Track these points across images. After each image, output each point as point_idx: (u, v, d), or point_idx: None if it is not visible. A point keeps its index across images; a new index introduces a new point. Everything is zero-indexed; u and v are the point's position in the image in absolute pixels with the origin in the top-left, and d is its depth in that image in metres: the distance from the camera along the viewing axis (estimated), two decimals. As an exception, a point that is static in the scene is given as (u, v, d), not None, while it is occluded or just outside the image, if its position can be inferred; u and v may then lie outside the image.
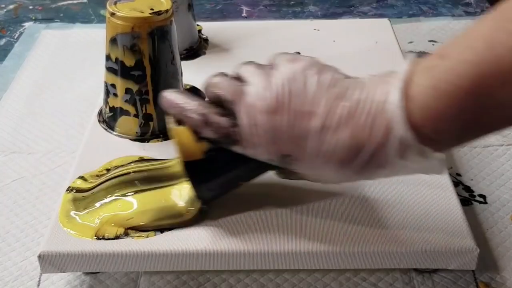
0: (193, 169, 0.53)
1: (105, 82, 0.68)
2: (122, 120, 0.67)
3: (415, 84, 0.45)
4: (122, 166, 0.63)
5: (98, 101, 0.72)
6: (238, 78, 0.52)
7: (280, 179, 0.55)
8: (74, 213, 0.57)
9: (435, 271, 0.59)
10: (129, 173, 0.61)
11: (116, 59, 0.65)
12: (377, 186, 0.59)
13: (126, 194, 0.58)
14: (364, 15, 1.06)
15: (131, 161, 0.64)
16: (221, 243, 0.55)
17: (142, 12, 0.64)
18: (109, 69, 0.66)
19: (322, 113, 0.47)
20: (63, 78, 0.88)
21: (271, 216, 0.57)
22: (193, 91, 0.75)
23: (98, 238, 0.55)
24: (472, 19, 1.01)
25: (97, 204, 0.58)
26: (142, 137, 0.67)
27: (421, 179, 0.55)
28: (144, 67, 0.65)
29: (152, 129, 0.67)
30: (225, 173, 0.54)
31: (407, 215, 0.57)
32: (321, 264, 0.55)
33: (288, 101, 0.48)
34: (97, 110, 0.71)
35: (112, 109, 0.68)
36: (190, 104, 0.52)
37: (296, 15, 1.07)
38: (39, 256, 0.54)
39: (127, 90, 0.66)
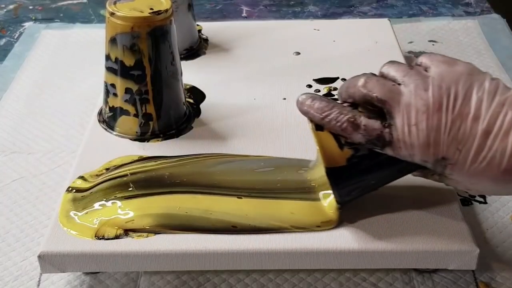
0: (335, 175, 0.53)
1: (105, 82, 0.68)
2: (122, 120, 0.67)
3: None
4: (122, 166, 0.63)
5: (98, 101, 0.72)
6: (384, 78, 0.51)
7: None
8: (74, 213, 0.57)
9: (435, 271, 0.59)
10: (127, 175, 0.61)
11: (116, 59, 0.65)
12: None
13: (128, 196, 0.58)
14: (364, 15, 1.06)
15: (131, 160, 0.64)
16: (222, 243, 0.55)
17: (142, 12, 0.64)
18: (109, 69, 0.66)
19: (488, 118, 0.47)
20: (63, 78, 0.88)
21: (271, 216, 0.57)
22: (193, 91, 0.75)
23: (98, 238, 0.55)
24: (472, 19, 1.01)
25: (96, 205, 0.58)
26: (142, 137, 0.67)
27: (421, 179, 0.55)
28: (143, 67, 0.65)
29: (152, 128, 0.67)
30: (366, 179, 0.54)
31: (407, 215, 0.57)
32: (321, 264, 0.55)
33: (451, 103, 0.48)
34: (97, 110, 0.71)
35: (112, 109, 0.68)
36: (334, 109, 0.52)
37: (296, 15, 1.07)
38: (39, 256, 0.54)
39: (127, 90, 0.66)
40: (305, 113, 0.54)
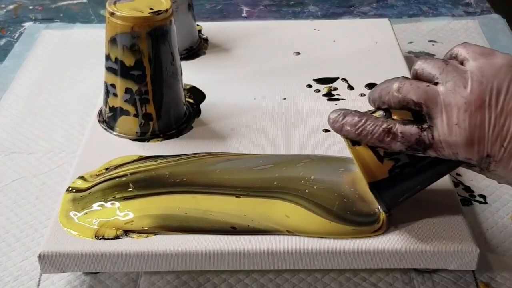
0: (379, 188, 0.53)
1: (105, 82, 0.67)
2: (122, 120, 0.67)
3: None
4: (121, 166, 0.63)
5: (98, 101, 0.72)
6: (418, 78, 0.50)
7: None
8: (73, 214, 0.57)
9: (435, 271, 0.59)
10: (126, 175, 0.61)
11: (116, 59, 0.65)
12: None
13: (128, 197, 0.58)
14: (364, 15, 1.06)
15: (131, 160, 0.64)
16: (221, 244, 0.55)
17: (142, 12, 0.64)
18: (109, 69, 0.66)
19: None
20: (63, 78, 0.88)
21: (271, 216, 0.57)
22: (193, 91, 0.75)
23: (98, 238, 0.55)
24: (472, 19, 1.01)
25: (94, 206, 0.58)
26: (142, 137, 0.67)
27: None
28: (143, 67, 0.65)
29: (152, 128, 0.67)
30: (410, 185, 0.53)
31: (407, 216, 0.57)
32: (321, 264, 0.55)
33: (493, 98, 0.47)
34: (97, 110, 0.71)
35: (112, 109, 0.68)
36: (368, 122, 0.51)
37: (296, 15, 1.06)
38: (39, 256, 0.54)
39: (127, 90, 0.66)
40: (338, 130, 0.53)
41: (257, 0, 1.11)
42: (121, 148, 0.66)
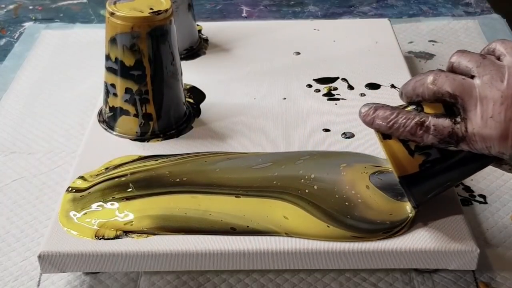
0: (409, 183, 0.53)
1: (105, 82, 0.67)
2: (122, 120, 0.67)
3: None
4: (120, 165, 0.63)
5: (98, 101, 0.72)
6: (454, 71, 0.51)
7: None
8: (73, 214, 0.57)
9: (435, 271, 0.59)
10: (125, 174, 0.61)
11: (116, 59, 0.65)
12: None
13: (128, 197, 0.58)
14: (364, 15, 1.06)
15: (130, 160, 0.64)
16: (221, 244, 0.55)
17: (142, 12, 0.64)
18: (108, 69, 0.66)
19: None
20: (63, 78, 0.88)
21: (271, 216, 0.57)
22: (193, 91, 0.75)
23: (98, 238, 0.55)
24: (472, 19, 1.01)
25: (93, 206, 0.58)
26: (142, 137, 0.67)
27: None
28: (143, 67, 0.65)
29: (152, 128, 0.67)
30: (440, 181, 0.53)
31: (407, 215, 0.57)
32: (321, 264, 0.55)
33: None
34: (97, 110, 0.71)
35: (112, 109, 0.68)
36: (399, 115, 0.51)
37: (296, 15, 1.07)
38: (39, 256, 0.54)
39: (127, 90, 0.66)
40: (369, 124, 0.53)
41: (257, 0, 1.11)
42: (121, 148, 0.66)
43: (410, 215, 0.56)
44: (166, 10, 0.65)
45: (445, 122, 0.50)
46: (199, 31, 0.87)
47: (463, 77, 0.50)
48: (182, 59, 0.75)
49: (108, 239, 0.55)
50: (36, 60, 0.92)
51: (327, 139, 0.67)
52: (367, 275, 0.59)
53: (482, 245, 0.56)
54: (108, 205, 0.58)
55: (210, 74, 0.79)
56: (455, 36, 0.96)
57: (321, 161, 0.62)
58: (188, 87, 0.75)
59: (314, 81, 0.77)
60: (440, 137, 0.50)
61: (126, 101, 0.66)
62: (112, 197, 0.58)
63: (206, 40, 0.86)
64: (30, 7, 1.09)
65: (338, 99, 0.74)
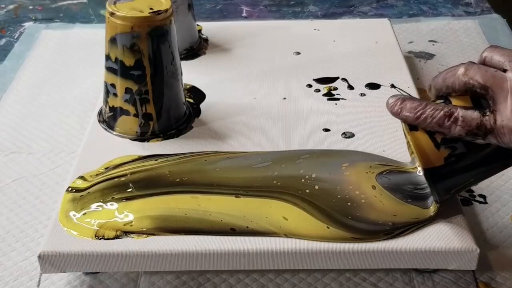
0: (434, 175, 0.53)
1: (105, 82, 0.67)
2: (122, 120, 0.67)
3: None
4: (120, 165, 0.63)
5: (98, 101, 0.72)
6: (486, 65, 0.51)
7: None
8: (73, 214, 0.57)
9: (435, 271, 0.59)
10: (125, 174, 0.61)
11: (116, 59, 0.65)
12: (377, 186, 0.59)
13: (128, 198, 0.58)
14: (364, 15, 1.06)
15: (130, 160, 0.64)
16: (221, 244, 0.55)
17: (142, 12, 0.64)
18: (108, 69, 0.66)
19: None
20: (63, 78, 0.88)
21: (271, 216, 0.57)
22: (193, 91, 0.75)
23: (98, 238, 0.55)
24: (472, 19, 1.01)
25: (93, 206, 0.58)
26: (142, 137, 0.67)
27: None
28: (143, 67, 0.65)
29: (152, 128, 0.67)
30: (464, 177, 0.53)
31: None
32: (321, 264, 0.55)
33: None
34: (97, 110, 0.71)
35: (112, 109, 0.68)
36: (428, 106, 0.51)
37: (296, 15, 1.07)
38: (39, 256, 0.54)
39: (127, 90, 0.66)
40: (396, 114, 0.53)
41: (257, 0, 1.11)
42: (121, 148, 0.66)
43: (432, 214, 0.56)
44: (166, 10, 0.65)
45: (474, 114, 0.50)
46: (199, 31, 0.87)
47: (495, 70, 0.50)
48: (182, 59, 0.75)
49: (108, 239, 0.55)
50: (36, 60, 0.92)
51: (327, 139, 0.67)
52: (367, 275, 0.59)
53: (482, 245, 0.56)
54: (108, 206, 0.58)
55: (210, 74, 0.79)
56: (455, 36, 0.96)
57: (321, 160, 0.62)
58: (188, 87, 0.75)
59: (314, 81, 0.77)
60: (468, 129, 0.50)
61: (126, 101, 0.66)
62: (112, 198, 0.58)
63: (206, 40, 0.86)
64: (30, 7, 1.09)
65: (338, 99, 0.74)
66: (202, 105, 0.73)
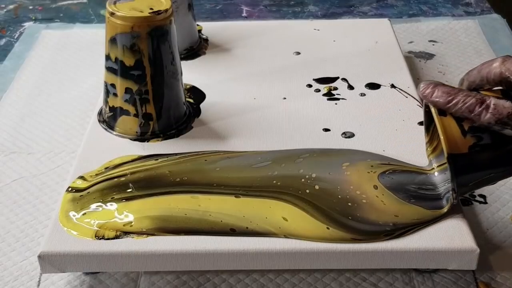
0: (456, 162, 0.53)
1: (105, 82, 0.68)
2: (122, 120, 0.67)
3: None
4: (120, 165, 0.63)
5: (98, 101, 0.72)
6: None
7: None
8: (72, 214, 0.57)
9: (435, 271, 0.59)
10: (125, 174, 0.61)
11: (116, 58, 0.65)
12: (377, 186, 0.59)
13: (128, 198, 0.58)
14: (364, 15, 1.06)
15: (130, 160, 0.64)
16: (221, 244, 0.55)
17: (142, 12, 0.64)
18: (108, 69, 0.66)
19: None
20: (63, 78, 0.88)
21: (271, 216, 0.57)
22: (193, 91, 0.75)
23: (98, 238, 0.55)
24: (472, 19, 1.01)
25: (93, 206, 0.58)
26: (142, 137, 0.67)
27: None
28: (143, 67, 0.65)
29: (152, 128, 0.67)
30: (485, 170, 0.53)
31: (407, 215, 0.57)
32: (321, 264, 0.55)
33: None
34: (97, 110, 0.71)
35: (112, 109, 0.68)
36: (460, 92, 0.51)
37: (296, 15, 1.07)
38: (39, 256, 0.54)
39: (127, 90, 0.66)
40: (428, 97, 0.53)
41: (257, 0, 1.11)
42: (121, 148, 0.66)
43: (445, 210, 0.56)
44: (166, 10, 0.65)
45: (506, 103, 0.50)
46: (199, 31, 0.87)
47: None
48: (182, 59, 0.75)
49: (108, 239, 0.55)
50: (36, 60, 0.92)
51: (327, 138, 0.67)
52: (367, 275, 0.59)
53: (482, 245, 0.56)
54: (108, 206, 0.58)
55: (210, 74, 0.79)
56: (455, 36, 0.96)
57: (321, 160, 0.62)
58: (188, 87, 0.76)
59: (314, 81, 0.77)
60: (499, 117, 0.50)
61: (126, 101, 0.66)
62: (111, 198, 0.58)
63: (206, 40, 0.86)
64: (30, 7, 1.09)
65: (338, 99, 0.74)
66: (202, 105, 0.73)
